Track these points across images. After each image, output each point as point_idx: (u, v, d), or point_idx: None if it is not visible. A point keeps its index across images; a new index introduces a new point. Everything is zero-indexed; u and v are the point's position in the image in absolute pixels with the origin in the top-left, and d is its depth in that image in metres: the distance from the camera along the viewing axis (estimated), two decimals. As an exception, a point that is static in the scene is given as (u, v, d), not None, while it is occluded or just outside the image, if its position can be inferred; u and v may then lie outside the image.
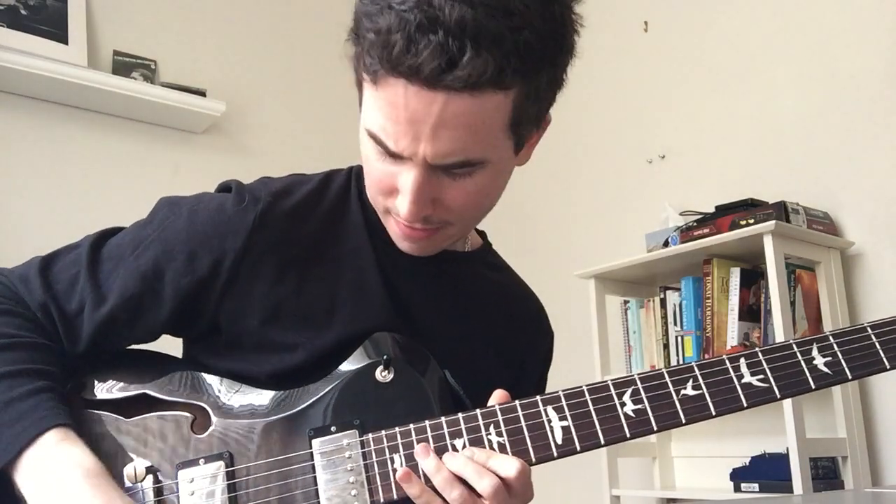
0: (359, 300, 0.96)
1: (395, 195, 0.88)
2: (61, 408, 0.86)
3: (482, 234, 1.15)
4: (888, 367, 0.85)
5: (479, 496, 0.81)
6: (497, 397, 0.88)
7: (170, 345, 1.00)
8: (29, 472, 0.81)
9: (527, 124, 0.89)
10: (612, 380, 0.86)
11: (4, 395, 0.84)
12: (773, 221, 2.05)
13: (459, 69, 0.76)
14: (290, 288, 0.94)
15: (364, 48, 0.81)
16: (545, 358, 1.16)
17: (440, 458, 0.83)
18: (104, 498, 0.80)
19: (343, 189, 1.02)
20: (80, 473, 0.81)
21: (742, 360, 0.86)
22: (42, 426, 0.83)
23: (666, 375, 0.86)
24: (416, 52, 0.76)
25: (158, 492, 0.87)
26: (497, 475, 0.81)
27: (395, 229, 0.93)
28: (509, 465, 0.81)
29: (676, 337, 2.36)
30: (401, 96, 0.79)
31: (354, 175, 1.04)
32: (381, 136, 0.83)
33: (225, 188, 0.99)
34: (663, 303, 2.42)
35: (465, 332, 1.03)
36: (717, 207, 2.31)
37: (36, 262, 0.95)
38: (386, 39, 0.77)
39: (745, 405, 0.85)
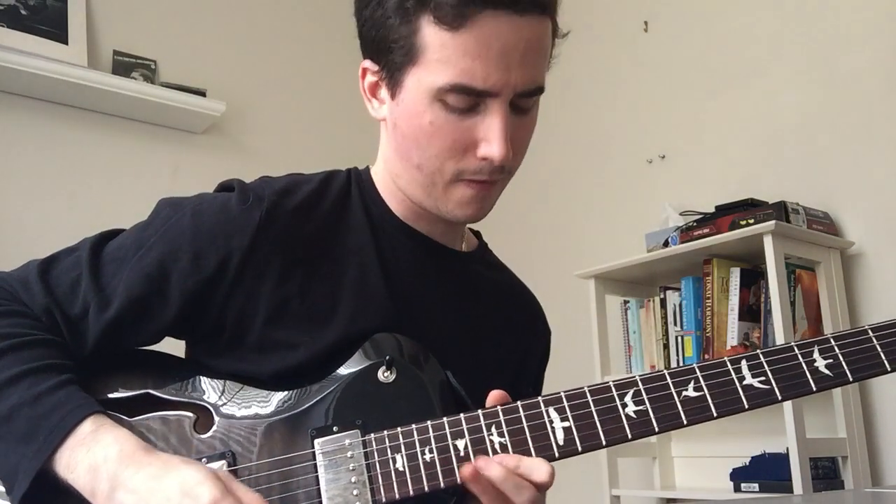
0: (361, 299, 0.96)
1: (470, 152, 0.90)
2: (91, 397, 0.86)
3: (477, 234, 1.15)
4: (889, 369, 0.85)
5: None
6: (494, 398, 0.88)
7: (172, 345, 1.00)
8: (76, 462, 0.81)
9: (548, 65, 0.96)
10: (613, 381, 0.86)
11: (32, 389, 0.83)
12: (773, 221, 2.06)
13: None
14: (294, 287, 0.94)
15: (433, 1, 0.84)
16: (543, 357, 1.16)
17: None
18: (162, 470, 0.79)
19: (344, 189, 1.02)
20: (129, 454, 0.81)
21: (743, 361, 0.86)
22: (80, 414, 0.83)
23: (667, 376, 0.86)
24: None
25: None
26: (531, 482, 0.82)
27: (466, 193, 0.93)
28: (542, 472, 0.82)
29: (676, 337, 2.36)
30: (492, 29, 0.84)
31: (354, 175, 1.04)
32: (467, 81, 0.86)
33: (226, 187, 0.99)
34: (663, 303, 2.42)
35: (465, 330, 1.03)
36: (717, 207, 2.31)
37: (34, 266, 0.94)
38: None
39: (747, 406, 0.85)
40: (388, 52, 0.90)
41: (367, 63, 0.95)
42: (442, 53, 0.86)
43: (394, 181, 1.00)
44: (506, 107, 0.88)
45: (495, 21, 0.84)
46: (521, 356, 1.11)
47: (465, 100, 0.87)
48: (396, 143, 0.95)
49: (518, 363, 1.10)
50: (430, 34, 0.86)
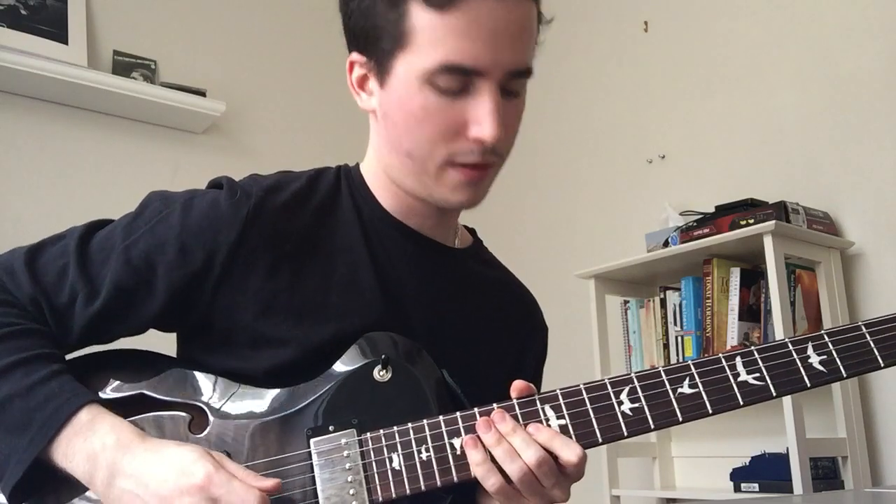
0: (352, 296, 0.96)
1: (461, 134, 0.90)
2: (83, 386, 0.87)
3: (472, 231, 1.15)
4: (882, 364, 0.86)
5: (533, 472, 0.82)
6: (517, 389, 0.87)
7: (166, 344, 1.00)
8: (74, 451, 0.82)
9: (535, 51, 0.97)
10: (609, 378, 0.87)
11: (24, 380, 0.84)
12: (773, 221, 2.05)
13: None
14: (283, 282, 0.94)
15: None
16: (540, 353, 1.16)
17: (500, 433, 0.84)
18: (157, 453, 0.81)
19: (333, 186, 1.02)
20: (125, 442, 0.82)
21: (738, 358, 0.86)
22: (75, 404, 0.84)
23: (663, 374, 0.86)
24: None
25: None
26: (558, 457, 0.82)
27: (457, 178, 0.93)
28: (570, 452, 0.82)
29: (676, 337, 2.35)
30: (481, 9, 0.85)
31: (343, 173, 1.05)
32: (457, 60, 0.86)
33: (216, 184, 0.99)
34: (663, 303, 2.42)
35: (460, 327, 1.03)
36: (717, 207, 2.31)
37: (21, 254, 0.93)
38: None
39: (742, 403, 0.85)
40: (377, 40, 0.90)
41: (355, 56, 0.95)
42: (431, 35, 0.86)
43: (385, 173, 1.00)
44: (496, 87, 0.88)
45: (486, 2, 0.85)
46: (518, 353, 1.11)
47: (456, 81, 0.87)
48: (387, 132, 0.95)
49: (514, 360, 1.10)
50: (419, 17, 0.86)
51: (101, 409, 0.85)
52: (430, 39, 0.86)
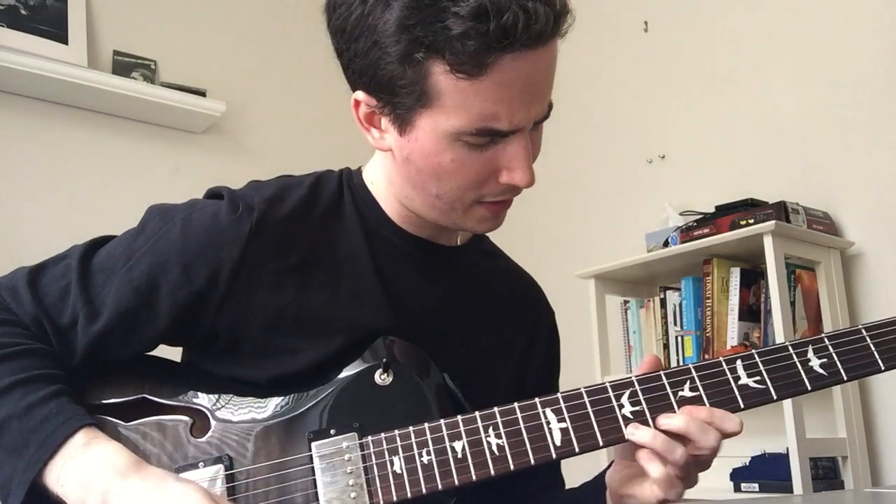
0: (358, 305, 0.96)
1: (493, 179, 0.89)
2: (82, 408, 0.85)
3: None
4: (883, 368, 0.86)
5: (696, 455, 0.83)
6: (648, 364, 0.89)
7: (171, 351, 1.00)
8: (67, 475, 0.80)
9: None
10: (610, 382, 0.87)
11: (23, 401, 0.83)
12: (773, 221, 2.05)
13: (563, 14, 0.81)
14: (290, 295, 0.94)
15: (448, 48, 0.78)
16: (550, 336, 1.15)
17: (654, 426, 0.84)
18: (155, 487, 0.79)
19: (336, 193, 1.01)
20: (121, 469, 0.80)
21: (739, 361, 0.87)
22: (71, 427, 0.82)
23: (663, 377, 0.86)
24: (535, 16, 0.77)
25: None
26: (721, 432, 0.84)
27: (485, 213, 0.93)
28: (732, 422, 0.84)
29: (676, 337, 2.35)
30: (513, 70, 0.80)
31: (346, 178, 1.03)
32: (492, 125, 0.83)
33: (215, 195, 0.98)
34: (663, 303, 2.42)
35: (466, 327, 1.04)
36: (717, 207, 2.31)
37: (23, 274, 0.93)
38: (500, 20, 0.76)
39: (742, 406, 0.86)
40: (393, 93, 0.85)
41: (361, 95, 0.89)
42: (461, 100, 0.82)
43: (400, 200, 0.99)
44: (526, 134, 0.87)
45: (516, 62, 0.80)
46: (526, 341, 1.11)
47: (488, 138, 0.85)
48: (408, 174, 0.92)
49: (523, 349, 1.10)
50: (445, 82, 0.81)
51: (97, 434, 0.84)
52: (460, 104, 0.82)
